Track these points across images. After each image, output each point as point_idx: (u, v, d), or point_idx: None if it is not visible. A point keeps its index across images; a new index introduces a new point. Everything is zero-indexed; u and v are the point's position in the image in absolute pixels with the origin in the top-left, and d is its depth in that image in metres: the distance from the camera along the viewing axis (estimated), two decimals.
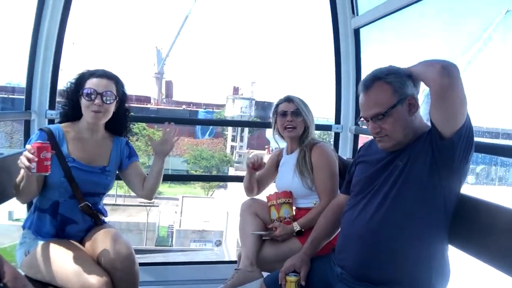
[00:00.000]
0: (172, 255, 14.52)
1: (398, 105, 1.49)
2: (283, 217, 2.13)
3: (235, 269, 2.04)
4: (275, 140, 2.39)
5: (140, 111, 37.03)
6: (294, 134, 2.21)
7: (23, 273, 1.78)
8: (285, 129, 2.21)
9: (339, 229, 1.76)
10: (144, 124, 31.26)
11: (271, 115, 2.30)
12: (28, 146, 1.55)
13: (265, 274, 2.02)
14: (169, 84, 53.00)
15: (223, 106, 43.62)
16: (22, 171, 1.66)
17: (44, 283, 1.70)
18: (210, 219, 20.40)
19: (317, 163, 2.13)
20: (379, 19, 2.54)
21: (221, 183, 28.28)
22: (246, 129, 39.59)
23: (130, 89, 2.17)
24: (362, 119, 1.60)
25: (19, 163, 1.56)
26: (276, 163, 2.37)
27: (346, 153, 2.89)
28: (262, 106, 42.94)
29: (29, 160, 1.52)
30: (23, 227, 1.89)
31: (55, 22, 2.45)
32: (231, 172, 23.82)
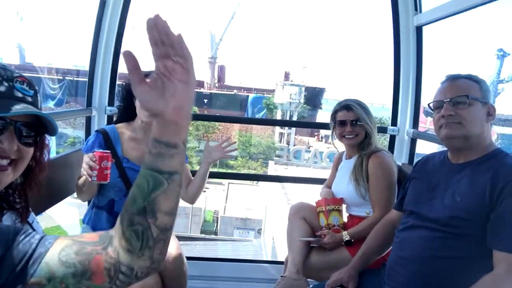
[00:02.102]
0: (217, 246, 15.25)
1: (481, 103, 1.43)
2: (332, 224, 2.08)
3: (281, 276, 2.03)
4: (334, 146, 2.31)
5: None
6: (353, 142, 2.12)
7: None
8: (343, 137, 2.13)
9: (391, 247, 1.68)
10: (196, 109, 32.05)
11: (330, 120, 2.21)
12: (90, 154, 1.63)
13: (311, 282, 1.99)
14: (221, 69, 53.49)
15: (273, 91, 43.46)
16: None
17: None
18: (252, 207, 20.68)
19: (374, 173, 2.03)
20: (444, 17, 2.33)
21: (267, 171, 28.32)
22: (295, 115, 39.42)
23: None
24: (432, 104, 1.50)
25: (82, 170, 1.64)
26: (338, 166, 2.31)
27: (401, 158, 2.74)
28: (312, 92, 42.34)
29: (90, 168, 1.59)
30: (83, 221, 2.00)
31: (115, 19, 2.51)
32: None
